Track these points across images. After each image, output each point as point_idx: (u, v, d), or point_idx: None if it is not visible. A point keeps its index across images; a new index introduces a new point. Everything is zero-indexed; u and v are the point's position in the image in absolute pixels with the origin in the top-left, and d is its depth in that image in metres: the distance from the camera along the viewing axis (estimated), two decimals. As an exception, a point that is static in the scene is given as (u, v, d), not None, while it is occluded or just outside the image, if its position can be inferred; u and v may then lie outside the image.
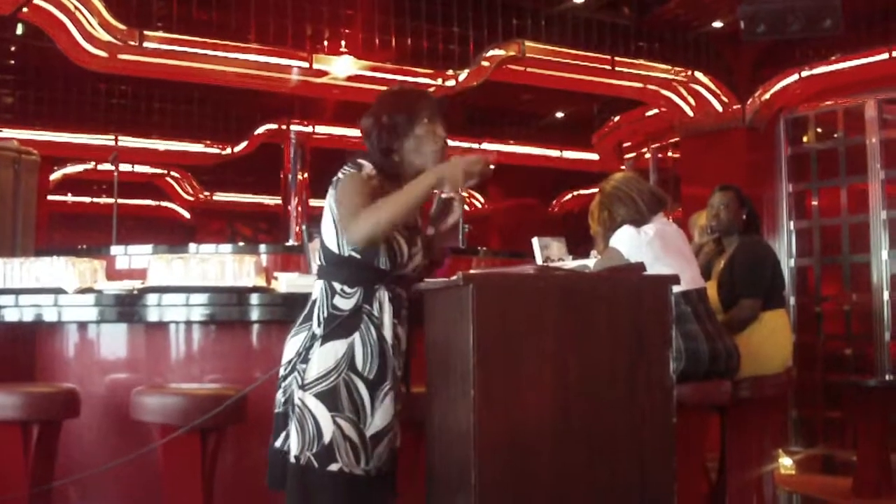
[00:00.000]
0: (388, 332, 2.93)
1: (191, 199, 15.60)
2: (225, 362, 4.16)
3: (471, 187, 2.93)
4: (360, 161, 3.00)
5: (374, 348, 2.91)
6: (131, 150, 11.67)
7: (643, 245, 4.00)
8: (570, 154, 13.41)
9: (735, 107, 8.74)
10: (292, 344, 3.01)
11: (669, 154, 9.93)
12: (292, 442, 2.90)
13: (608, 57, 8.48)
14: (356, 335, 2.91)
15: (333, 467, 2.84)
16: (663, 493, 2.86)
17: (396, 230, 2.94)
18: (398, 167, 3.03)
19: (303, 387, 2.90)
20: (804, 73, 8.19)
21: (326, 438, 2.85)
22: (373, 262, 2.94)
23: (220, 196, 15.98)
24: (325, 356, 2.90)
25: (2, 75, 11.26)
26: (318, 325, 2.96)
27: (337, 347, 2.91)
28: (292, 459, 2.89)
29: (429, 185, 2.88)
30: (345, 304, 2.94)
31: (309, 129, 11.20)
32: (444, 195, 2.90)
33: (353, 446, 2.86)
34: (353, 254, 2.95)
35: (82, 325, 4.34)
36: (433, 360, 2.91)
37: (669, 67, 8.74)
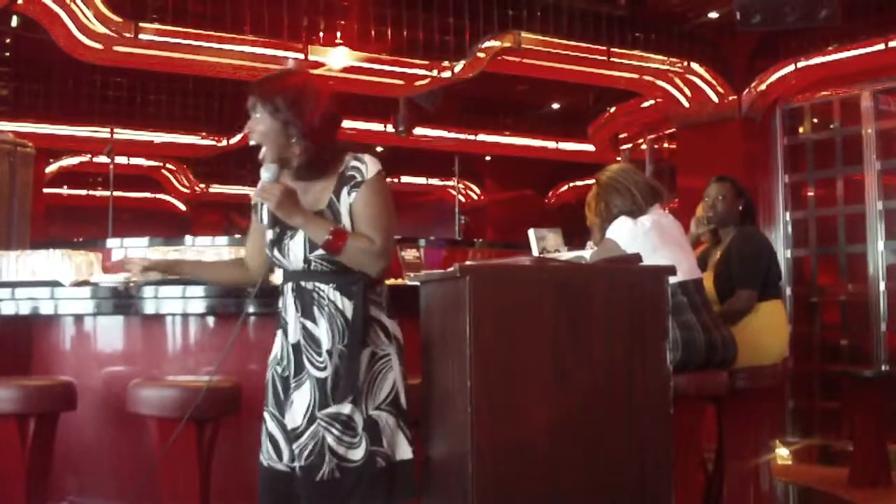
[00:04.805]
0: (291, 329, 2.90)
1: (187, 191, 15.57)
2: (221, 355, 4.15)
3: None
4: None
5: (284, 344, 2.94)
6: (127, 142, 11.63)
7: (640, 236, 4.00)
8: (565, 145, 13.41)
9: (731, 98, 8.72)
10: None
11: (665, 145, 9.92)
12: None
13: (604, 48, 8.44)
14: (279, 331, 2.98)
15: (260, 459, 2.95)
16: (660, 484, 2.87)
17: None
18: None
19: None
20: (800, 64, 8.17)
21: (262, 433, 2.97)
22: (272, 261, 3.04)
23: (216, 188, 15.95)
24: (272, 353, 3.01)
25: (-3, 67, 11.24)
26: None
27: (274, 343, 3.00)
28: None
29: None
30: (280, 302, 3.02)
31: (304, 120, 11.17)
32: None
33: (272, 441, 2.92)
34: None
35: (78, 318, 4.34)
36: (429, 351, 2.91)
37: (665, 58, 8.71)
